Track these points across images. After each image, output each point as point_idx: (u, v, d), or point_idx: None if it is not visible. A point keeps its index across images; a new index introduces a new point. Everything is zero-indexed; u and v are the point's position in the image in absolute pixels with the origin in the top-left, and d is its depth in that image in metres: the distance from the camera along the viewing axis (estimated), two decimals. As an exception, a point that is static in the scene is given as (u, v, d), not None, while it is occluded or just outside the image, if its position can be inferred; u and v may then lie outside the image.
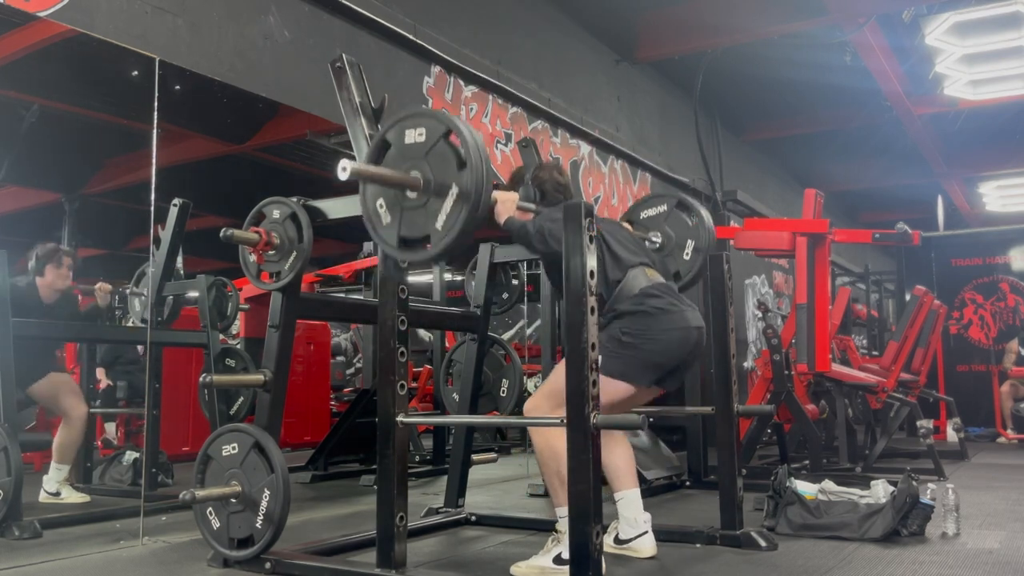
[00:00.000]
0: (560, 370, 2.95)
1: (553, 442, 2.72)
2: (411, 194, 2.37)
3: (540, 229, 2.81)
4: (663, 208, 3.55)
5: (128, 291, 4.64)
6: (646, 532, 3.01)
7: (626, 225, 3.38)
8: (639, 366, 2.82)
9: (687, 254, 3.50)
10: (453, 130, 2.33)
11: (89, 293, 4.38)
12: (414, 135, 2.39)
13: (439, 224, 2.33)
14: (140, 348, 5.40)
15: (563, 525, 2.70)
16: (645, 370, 2.84)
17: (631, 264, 2.92)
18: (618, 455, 3.03)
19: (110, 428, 5.62)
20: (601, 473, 2.41)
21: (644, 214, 3.61)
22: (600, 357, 2.42)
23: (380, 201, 2.44)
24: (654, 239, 3.50)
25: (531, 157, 4.21)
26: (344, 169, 2.25)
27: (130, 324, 4.73)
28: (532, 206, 3.04)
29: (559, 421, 2.35)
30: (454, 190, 2.30)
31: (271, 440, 2.81)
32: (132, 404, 5.41)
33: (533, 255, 2.86)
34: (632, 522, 3.01)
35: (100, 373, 5.29)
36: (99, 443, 5.43)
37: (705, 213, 3.52)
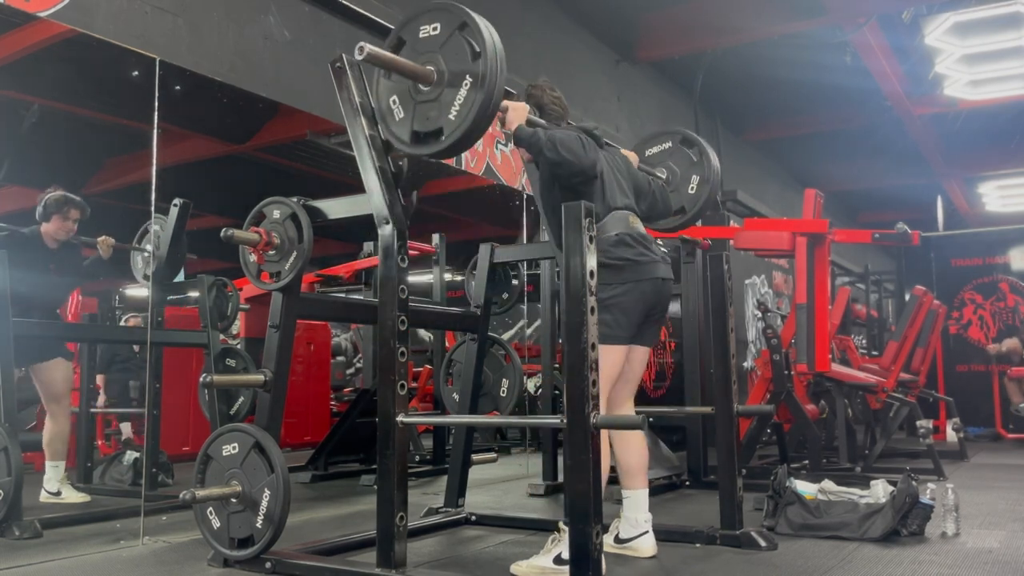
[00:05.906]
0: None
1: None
2: (424, 88, 2.38)
3: (552, 137, 2.81)
4: (667, 145, 3.62)
5: (132, 247, 4.66)
6: (646, 532, 3.02)
7: (633, 157, 3.38)
8: (616, 324, 2.88)
9: (692, 188, 3.56)
10: (467, 21, 2.33)
11: (91, 245, 4.40)
12: (428, 30, 2.40)
13: (452, 114, 2.34)
14: (135, 346, 5.39)
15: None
16: (620, 326, 2.90)
17: (615, 205, 2.97)
18: (634, 453, 3.05)
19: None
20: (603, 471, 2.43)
21: (649, 151, 3.67)
22: None
23: (393, 97, 2.46)
24: (659, 175, 3.53)
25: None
26: (361, 49, 2.27)
27: (137, 279, 4.73)
28: (542, 121, 3.04)
29: (559, 421, 2.35)
30: (468, 79, 2.31)
31: (271, 440, 2.81)
32: (123, 406, 5.41)
33: (539, 161, 2.88)
34: (633, 522, 3.02)
35: (101, 380, 5.28)
36: (100, 443, 5.43)
37: (709, 148, 3.58)
